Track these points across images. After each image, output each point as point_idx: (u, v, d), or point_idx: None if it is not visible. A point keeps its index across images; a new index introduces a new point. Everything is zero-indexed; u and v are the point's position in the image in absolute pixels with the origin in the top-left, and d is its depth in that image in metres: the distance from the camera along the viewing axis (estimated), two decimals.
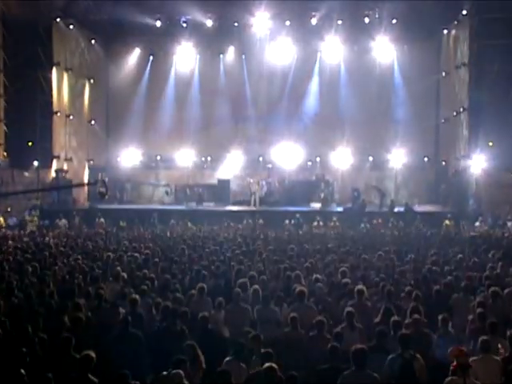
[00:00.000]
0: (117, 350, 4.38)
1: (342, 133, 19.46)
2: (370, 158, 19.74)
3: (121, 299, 5.72)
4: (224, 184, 19.95)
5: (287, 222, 15.17)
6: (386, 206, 16.87)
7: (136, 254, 8.55)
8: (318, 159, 20.43)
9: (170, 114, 20.47)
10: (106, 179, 16.72)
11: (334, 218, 15.01)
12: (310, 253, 9.00)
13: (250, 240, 10.76)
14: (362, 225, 14.53)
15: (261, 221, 15.29)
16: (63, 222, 15.17)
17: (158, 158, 20.99)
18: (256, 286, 5.92)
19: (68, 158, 18.10)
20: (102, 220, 15.25)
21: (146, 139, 20.17)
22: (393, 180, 19.44)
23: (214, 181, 20.10)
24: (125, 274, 6.81)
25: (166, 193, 19.63)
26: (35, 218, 15.38)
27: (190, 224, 14.96)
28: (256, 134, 20.43)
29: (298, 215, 15.36)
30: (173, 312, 5.07)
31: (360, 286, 5.83)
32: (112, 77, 20.74)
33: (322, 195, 18.09)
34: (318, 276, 6.65)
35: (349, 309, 5.02)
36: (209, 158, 20.90)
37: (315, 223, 14.90)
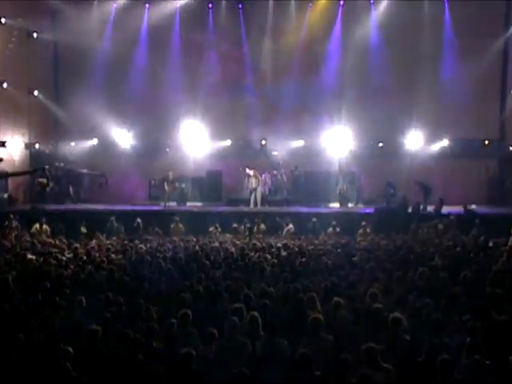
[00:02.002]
0: None
1: (372, 108, 19.55)
2: (406, 143, 19.88)
3: (75, 332, 5.78)
4: (215, 177, 20.16)
5: (290, 226, 15.26)
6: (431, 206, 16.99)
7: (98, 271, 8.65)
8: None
9: (143, 80, 20.56)
10: (47, 167, 16.75)
11: (363, 223, 15.00)
12: (330, 269, 9.08)
13: (249, 251, 10.87)
14: (416, 229, 14.43)
15: (262, 226, 15.39)
16: None
17: (130, 145, 21.16)
18: (255, 314, 5.98)
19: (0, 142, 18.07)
20: (16, 223, 14.84)
21: (111, 115, 20.27)
22: (439, 171, 19.56)
23: (202, 173, 20.17)
24: (82, 298, 6.90)
25: (100, 185, 19.67)
26: None
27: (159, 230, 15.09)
28: (257, 110, 20.54)
29: (314, 219, 15.45)
30: (145, 348, 5.10)
31: (396, 314, 5.90)
32: (62, 30, 20.04)
33: (339, 191, 18.27)
34: (340, 300, 6.72)
35: (370, 345, 5.02)
36: (193, 141, 20.99)
37: (330, 229, 14.91)
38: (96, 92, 19.87)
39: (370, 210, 17.33)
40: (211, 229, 15.22)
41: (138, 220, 15.51)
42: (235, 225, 15.46)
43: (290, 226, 15.34)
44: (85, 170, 20.67)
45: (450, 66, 19.84)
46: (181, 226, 15.32)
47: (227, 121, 20.60)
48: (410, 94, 19.53)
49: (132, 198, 20.29)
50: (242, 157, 20.95)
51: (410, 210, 16.31)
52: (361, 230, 14.81)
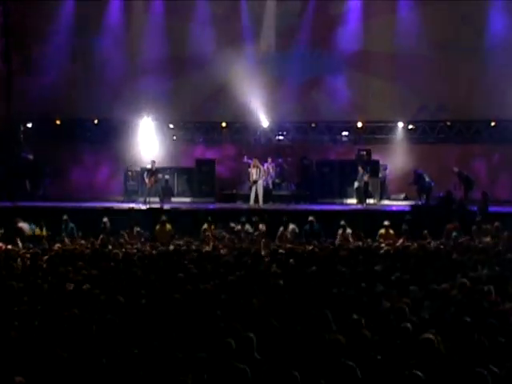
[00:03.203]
0: None
1: (401, 80, 19.49)
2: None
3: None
4: (206, 167, 20.24)
5: (292, 227, 15.35)
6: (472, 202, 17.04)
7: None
8: (359, 124, 20.58)
9: (118, 46, 20.58)
10: None
11: (386, 222, 14.95)
12: (348, 280, 9.12)
13: (249, 258, 10.93)
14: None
15: (261, 226, 15.45)
16: None
17: (96, 121, 21.17)
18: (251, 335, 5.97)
19: None
20: None
21: (80, 91, 20.25)
22: (482, 160, 19.58)
23: (191, 162, 20.15)
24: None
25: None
26: None
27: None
28: (258, 84, 20.57)
29: (311, 218, 15.45)
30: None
31: (428, 335, 5.93)
32: None
33: (356, 184, 18.30)
34: (360, 318, 6.75)
35: (416, 373, 4.94)
36: (181, 124, 20.97)
37: (340, 231, 14.91)
38: (59, 58, 19.91)
39: (397, 207, 17.40)
40: (204, 226, 15.33)
41: (105, 220, 15.60)
42: (233, 224, 15.48)
43: (292, 226, 15.34)
44: (30, 156, 20.59)
45: (499, 25, 19.67)
46: (169, 227, 15.40)
47: (221, 97, 20.55)
48: (449, 61, 19.43)
49: (102, 193, 20.34)
50: (238, 142, 20.98)
51: (453, 207, 16.27)
52: (382, 230, 14.78)
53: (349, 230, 14.90)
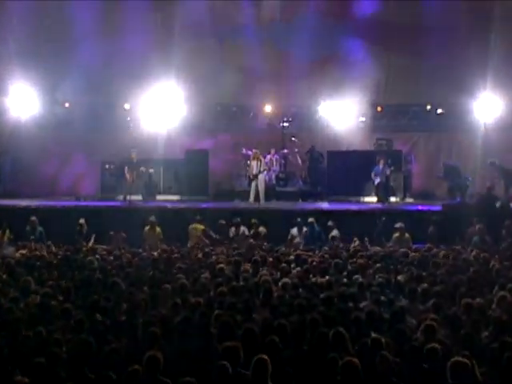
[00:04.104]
0: None
1: (426, 57, 19.55)
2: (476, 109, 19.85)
3: None
4: (197, 159, 20.22)
5: (294, 231, 15.46)
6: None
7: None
8: (378, 108, 20.58)
9: (91, 21, 20.55)
10: None
11: (399, 225, 14.81)
12: (364, 292, 9.10)
13: (249, 266, 10.97)
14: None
15: (261, 229, 15.51)
16: None
17: (67, 105, 21.36)
18: (264, 357, 5.99)
19: None
20: None
21: (52, 69, 20.22)
22: None
23: (179, 153, 20.27)
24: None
25: None
26: None
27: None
28: (259, 60, 20.61)
29: (311, 219, 15.47)
30: None
31: (461, 358, 5.92)
32: None
33: (377, 180, 18.38)
34: (379, 338, 6.75)
35: None
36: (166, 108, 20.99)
37: (356, 243, 14.48)
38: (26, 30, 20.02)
39: (423, 207, 17.38)
40: (192, 225, 15.47)
41: (82, 221, 15.62)
42: (223, 221, 15.58)
43: (294, 231, 15.48)
44: None
45: None
46: (158, 230, 15.46)
47: (215, 77, 20.54)
48: (484, 37, 19.41)
49: (76, 189, 20.36)
50: (236, 130, 20.97)
51: (498, 206, 16.19)
52: (396, 234, 14.81)
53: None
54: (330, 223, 15.47)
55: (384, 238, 14.73)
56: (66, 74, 20.46)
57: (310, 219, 15.50)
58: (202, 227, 15.46)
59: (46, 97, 21.46)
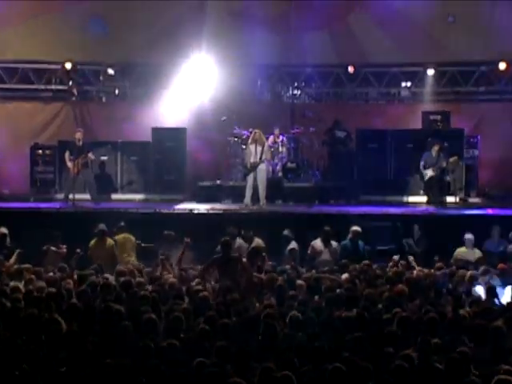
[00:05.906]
0: None
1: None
2: None
3: None
4: (170, 142, 20.37)
5: (318, 244, 15.71)
6: None
7: None
8: (429, 71, 20.88)
9: None
10: None
11: (468, 236, 15.15)
12: (408, 331, 9.16)
13: (243, 294, 11.15)
14: None
15: (258, 240, 15.65)
16: None
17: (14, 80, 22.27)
18: None
19: None
20: None
21: None
22: None
23: (144, 134, 20.52)
24: None
25: None
26: None
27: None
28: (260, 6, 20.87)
29: (356, 229, 15.67)
30: None
31: None
32: None
33: (428, 174, 18.55)
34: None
35: None
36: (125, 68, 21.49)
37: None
38: None
39: (496, 211, 17.70)
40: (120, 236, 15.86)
41: (3, 230, 15.76)
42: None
43: (318, 243, 15.65)
44: None
45: None
46: (133, 239, 15.84)
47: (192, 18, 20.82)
48: None
49: None
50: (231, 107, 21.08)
51: None
52: (462, 249, 15.14)
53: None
54: (285, 232, 15.79)
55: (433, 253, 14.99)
56: None
57: (355, 228, 15.56)
58: (132, 239, 15.82)
59: None
